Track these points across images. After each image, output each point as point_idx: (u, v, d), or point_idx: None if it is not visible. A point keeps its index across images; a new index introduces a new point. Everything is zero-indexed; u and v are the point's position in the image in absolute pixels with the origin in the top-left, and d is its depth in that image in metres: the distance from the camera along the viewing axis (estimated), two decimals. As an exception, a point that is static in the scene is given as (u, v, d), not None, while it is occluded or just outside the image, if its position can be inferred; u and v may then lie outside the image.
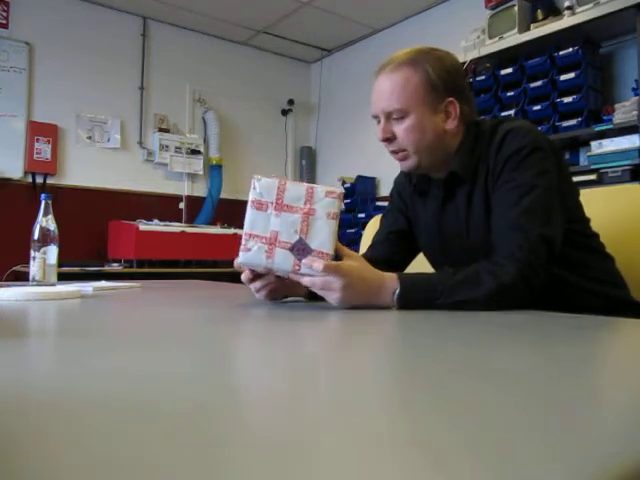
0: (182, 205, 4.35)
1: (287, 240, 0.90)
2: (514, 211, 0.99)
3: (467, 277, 0.94)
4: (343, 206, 4.18)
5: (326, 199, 0.91)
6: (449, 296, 0.91)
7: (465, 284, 0.92)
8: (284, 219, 0.90)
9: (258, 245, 0.90)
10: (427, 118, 1.05)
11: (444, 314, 0.86)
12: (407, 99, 1.04)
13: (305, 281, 0.91)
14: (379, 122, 1.09)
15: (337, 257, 0.92)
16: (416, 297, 0.92)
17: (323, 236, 0.90)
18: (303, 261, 0.90)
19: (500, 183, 1.03)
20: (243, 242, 0.91)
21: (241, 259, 0.91)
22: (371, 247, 1.29)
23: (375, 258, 1.20)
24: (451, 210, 1.13)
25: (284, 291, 1.05)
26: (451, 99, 1.07)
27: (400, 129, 1.06)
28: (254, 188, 0.92)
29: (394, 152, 1.10)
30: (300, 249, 0.90)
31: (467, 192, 1.09)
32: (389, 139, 1.08)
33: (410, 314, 0.88)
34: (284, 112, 4.91)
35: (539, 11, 2.97)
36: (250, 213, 0.91)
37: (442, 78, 1.05)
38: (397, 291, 0.91)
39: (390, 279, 0.92)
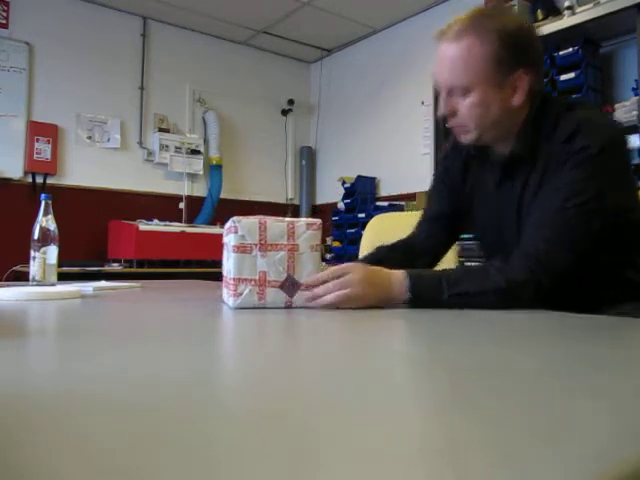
0: (182, 205, 4.35)
1: (276, 279, 0.91)
2: (552, 210, 0.95)
3: (474, 271, 0.94)
4: (343, 205, 4.19)
5: (308, 232, 0.93)
6: (455, 286, 0.90)
7: (472, 277, 0.92)
8: (270, 258, 0.91)
9: (249, 288, 0.90)
10: (492, 94, 0.98)
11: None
12: (470, 74, 0.97)
13: (318, 290, 0.91)
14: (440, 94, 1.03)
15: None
16: (424, 289, 0.91)
17: (310, 269, 0.92)
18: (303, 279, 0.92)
19: (555, 177, 0.97)
20: (232, 288, 0.91)
21: (233, 304, 0.91)
22: (416, 229, 1.26)
23: (415, 243, 1.20)
24: (507, 188, 1.08)
25: None
26: (520, 72, 0.98)
27: (462, 105, 1.00)
28: (235, 232, 0.91)
29: (454, 126, 1.04)
30: (289, 285, 0.92)
31: (526, 173, 1.03)
32: (450, 114, 1.02)
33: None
34: (284, 112, 4.91)
35: (539, 11, 2.97)
36: (235, 258, 0.90)
37: (510, 48, 0.96)
38: (406, 282, 0.91)
39: (398, 273, 0.93)
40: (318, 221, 0.95)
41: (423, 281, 0.92)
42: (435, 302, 0.90)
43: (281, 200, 4.89)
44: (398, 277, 0.92)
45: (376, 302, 0.91)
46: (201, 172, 4.39)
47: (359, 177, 4.22)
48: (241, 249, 0.90)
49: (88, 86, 3.95)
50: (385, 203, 3.84)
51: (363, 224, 3.22)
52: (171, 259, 3.65)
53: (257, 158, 4.74)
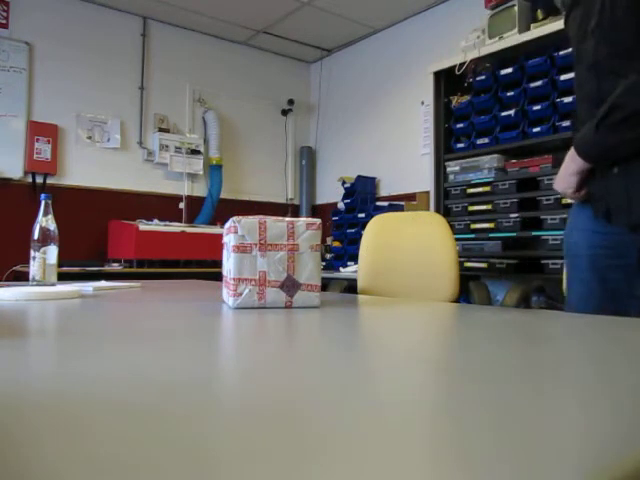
0: (182, 205, 4.35)
1: (276, 279, 0.92)
2: None
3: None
4: (343, 205, 4.19)
5: (308, 232, 0.93)
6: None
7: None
8: (270, 258, 0.91)
9: (249, 288, 0.91)
10: None
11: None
12: None
13: None
14: None
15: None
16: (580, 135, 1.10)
17: (310, 269, 0.93)
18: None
19: None
20: (232, 288, 0.91)
21: (233, 304, 0.91)
22: None
23: None
24: None
25: None
26: None
27: None
28: (235, 232, 0.91)
29: None
30: (289, 285, 0.92)
31: None
32: None
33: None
34: (284, 112, 4.91)
35: (539, 11, 2.97)
36: (235, 257, 0.91)
37: None
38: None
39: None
40: (318, 221, 0.95)
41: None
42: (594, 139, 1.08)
43: (281, 200, 4.89)
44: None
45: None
46: (201, 172, 4.39)
47: (359, 177, 4.22)
48: (241, 249, 0.90)
49: (88, 86, 3.95)
50: (385, 203, 3.84)
51: (363, 224, 3.22)
52: (171, 259, 3.65)
53: (257, 158, 4.74)
